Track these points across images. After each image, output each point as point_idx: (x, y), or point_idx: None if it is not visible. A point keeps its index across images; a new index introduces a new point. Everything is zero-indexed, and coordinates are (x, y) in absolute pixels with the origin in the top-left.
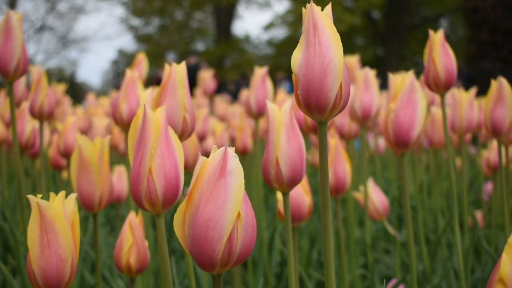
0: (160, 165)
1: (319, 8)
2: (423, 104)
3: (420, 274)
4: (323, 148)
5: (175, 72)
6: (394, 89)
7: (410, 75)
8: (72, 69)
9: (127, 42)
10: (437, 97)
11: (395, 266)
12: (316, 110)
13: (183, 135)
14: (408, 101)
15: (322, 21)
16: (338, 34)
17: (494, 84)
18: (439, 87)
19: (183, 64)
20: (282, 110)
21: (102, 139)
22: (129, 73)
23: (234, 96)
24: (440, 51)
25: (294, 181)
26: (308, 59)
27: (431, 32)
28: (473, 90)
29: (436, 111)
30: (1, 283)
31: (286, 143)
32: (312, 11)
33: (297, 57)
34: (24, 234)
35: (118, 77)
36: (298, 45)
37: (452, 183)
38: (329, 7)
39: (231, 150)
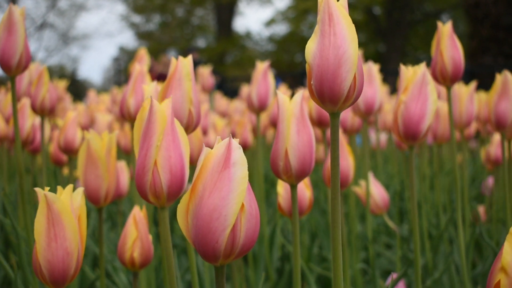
0: (165, 157)
1: None
2: (434, 97)
3: (421, 268)
4: (335, 139)
5: (182, 65)
6: (405, 81)
7: (422, 67)
8: (73, 67)
9: (128, 39)
10: (442, 90)
11: (396, 260)
12: (329, 101)
13: (188, 129)
14: (419, 93)
15: (337, 11)
16: (353, 25)
17: (498, 77)
18: (445, 79)
19: (190, 58)
20: (293, 101)
21: (109, 134)
22: (137, 67)
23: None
24: (448, 43)
25: (303, 174)
26: (323, 49)
27: (439, 23)
28: (473, 84)
29: (441, 104)
30: (2, 278)
31: (296, 135)
32: (327, 1)
33: (311, 47)
34: (25, 230)
35: (119, 74)
36: (313, 35)
37: (457, 178)
38: None
39: (235, 142)
